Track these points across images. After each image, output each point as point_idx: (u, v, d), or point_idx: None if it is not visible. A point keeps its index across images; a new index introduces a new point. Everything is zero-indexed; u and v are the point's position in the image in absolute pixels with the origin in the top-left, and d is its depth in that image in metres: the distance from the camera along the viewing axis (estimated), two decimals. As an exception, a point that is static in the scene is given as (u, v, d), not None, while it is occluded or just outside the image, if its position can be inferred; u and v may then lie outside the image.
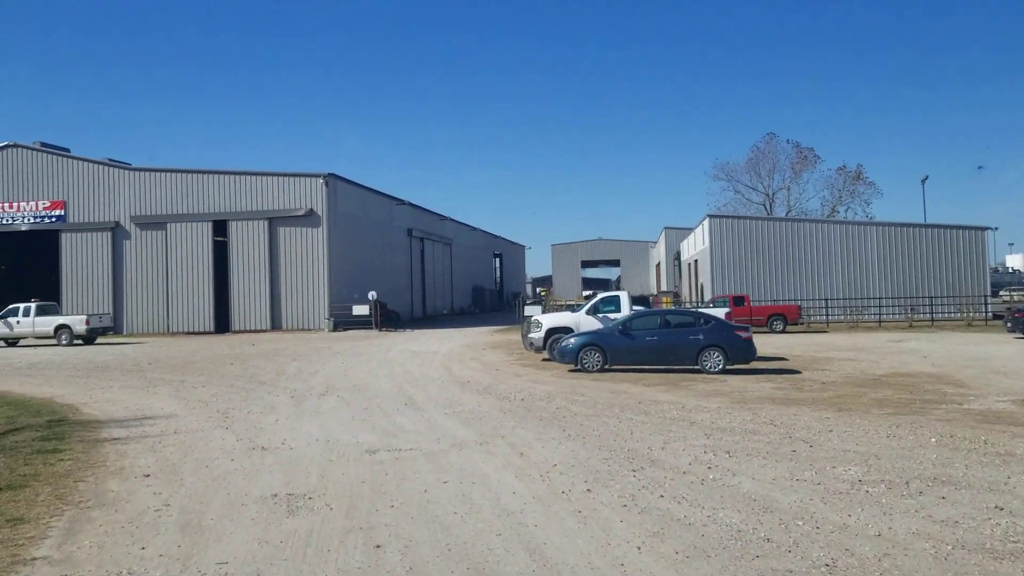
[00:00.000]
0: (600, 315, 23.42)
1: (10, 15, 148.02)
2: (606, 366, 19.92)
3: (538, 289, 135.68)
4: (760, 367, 20.77)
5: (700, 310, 24.83)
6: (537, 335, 23.49)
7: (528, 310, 45.37)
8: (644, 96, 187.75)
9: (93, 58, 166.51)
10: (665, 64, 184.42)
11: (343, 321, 45.78)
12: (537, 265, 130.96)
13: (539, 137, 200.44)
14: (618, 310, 23.73)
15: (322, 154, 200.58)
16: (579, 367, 19.96)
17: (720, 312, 24.79)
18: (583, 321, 23.39)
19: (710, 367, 19.49)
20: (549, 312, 46.03)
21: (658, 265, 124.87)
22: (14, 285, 51.16)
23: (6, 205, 48.64)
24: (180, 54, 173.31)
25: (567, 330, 23.38)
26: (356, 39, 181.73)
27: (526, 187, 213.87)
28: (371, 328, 45.37)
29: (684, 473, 8.95)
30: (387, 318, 46.85)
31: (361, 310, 45.79)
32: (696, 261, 56.47)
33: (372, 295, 45.89)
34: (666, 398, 15.31)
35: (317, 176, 46.16)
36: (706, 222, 48.32)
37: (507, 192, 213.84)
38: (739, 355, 19.84)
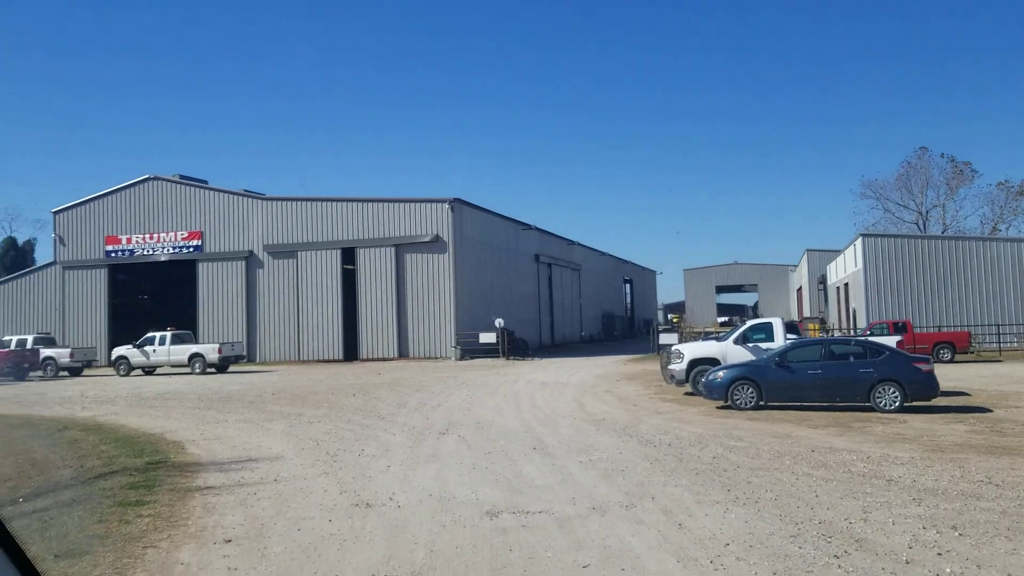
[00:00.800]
0: (750, 344, 20.92)
1: (155, 57, 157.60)
2: (760, 403, 17.49)
3: (669, 316, 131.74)
4: (941, 404, 17.80)
5: (870, 339, 21.84)
6: (679, 367, 21.21)
7: (663, 338, 42.91)
8: (782, 112, 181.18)
9: (230, 90, 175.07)
10: (804, 79, 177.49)
11: (470, 349, 44.58)
12: (668, 291, 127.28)
13: (670, 158, 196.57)
14: (770, 339, 21.16)
15: (448, 179, 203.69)
16: (729, 403, 17.61)
17: (890, 341, 21.78)
18: (730, 351, 20.95)
19: (885, 405, 16.75)
20: (685, 340, 43.48)
21: (799, 290, 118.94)
22: (154, 314, 52.70)
23: (147, 236, 50.22)
24: (306, 86, 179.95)
25: (712, 361, 21.01)
26: (481, 63, 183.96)
27: (657, 210, 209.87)
28: (498, 357, 43.96)
29: (908, 563, 6.65)
30: (514, 346, 45.36)
31: (488, 338, 44.47)
32: (846, 284, 52.38)
33: (499, 323, 44.51)
34: (842, 445, 12.82)
35: (443, 202, 45.37)
36: (858, 242, 44.53)
37: (636, 215, 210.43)
38: (919, 391, 16.99)
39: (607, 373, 32.10)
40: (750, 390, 17.56)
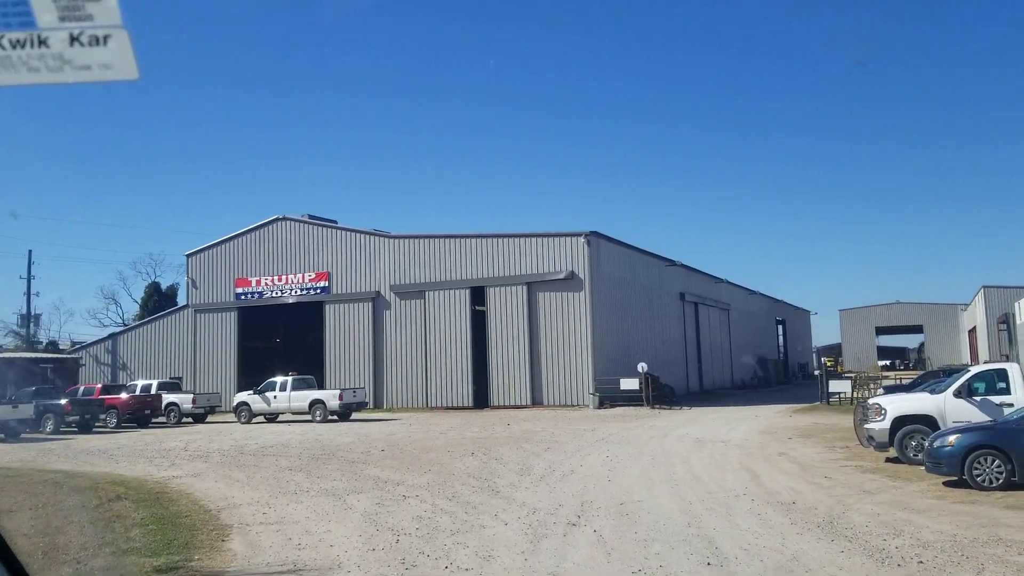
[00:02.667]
0: (977, 398, 15.89)
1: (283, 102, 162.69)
2: (1013, 479, 12.61)
3: (823, 359, 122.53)
4: None
5: None
6: (879, 426, 16.43)
7: (834, 385, 37.40)
8: (948, 133, 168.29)
9: (349, 126, 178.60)
10: (974, 93, 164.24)
11: (609, 396, 40.34)
12: (821, 334, 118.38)
13: (819, 186, 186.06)
14: (1006, 391, 16.05)
15: (582, 214, 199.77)
16: (965, 478, 12.82)
17: None
18: (949, 406, 16.00)
19: None
20: (860, 389, 37.67)
21: (972, 330, 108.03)
22: (282, 357, 51.33)
23: (276, 278, 48.98)
24: (434, 121, 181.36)
25: (925, 420, 16.15)
26: (618, 90, 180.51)
27: (806, 245, 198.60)
28: (641, 405, 39.49)
29: None
30: (659, 394, 40.78)
31: (630, 384, 40.10)
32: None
33: (642, 367, 40.10)
34: None
35: (578, 235, 41.70)
36: (1069, 272, 37.66)
37: (784, 250, 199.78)
38: None
39: (772, 427, 27.22)
40: (996, 463, 12.72)
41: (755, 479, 14.74)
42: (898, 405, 16.59)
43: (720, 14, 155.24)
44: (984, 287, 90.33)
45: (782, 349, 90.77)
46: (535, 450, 20.77)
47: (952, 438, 13.05)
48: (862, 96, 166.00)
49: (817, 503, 11.95)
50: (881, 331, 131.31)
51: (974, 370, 16.51)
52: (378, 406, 44.97)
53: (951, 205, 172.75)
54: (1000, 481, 12.63)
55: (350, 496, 13.51)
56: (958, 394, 16.01)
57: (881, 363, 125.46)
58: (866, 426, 16.84)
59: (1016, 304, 62.53)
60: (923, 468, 15.45)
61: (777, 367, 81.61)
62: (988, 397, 15.84)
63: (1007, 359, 74.82)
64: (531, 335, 41.87)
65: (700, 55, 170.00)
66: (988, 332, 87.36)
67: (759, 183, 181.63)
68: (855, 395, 37.05)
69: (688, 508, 11.66)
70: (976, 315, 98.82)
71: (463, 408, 42.73)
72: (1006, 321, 76.45)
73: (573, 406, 40.54)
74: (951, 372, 33.85)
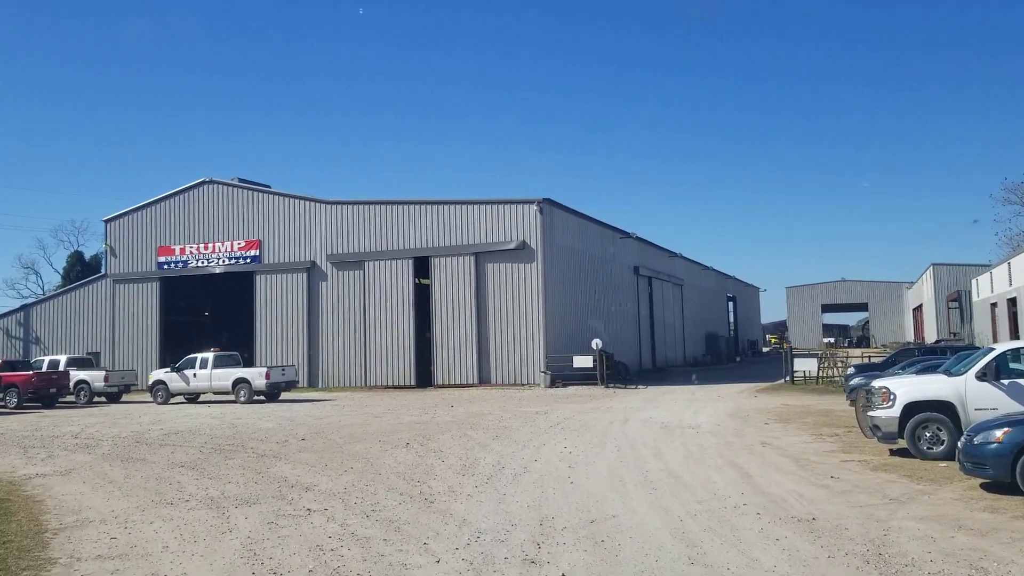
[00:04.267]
0: (1005, 381, 13.40)
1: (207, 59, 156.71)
2: (1073, 484, 10.12)
3: (768, 337, 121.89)
4: None
5: None
6: (887, 414, 13.88)
7: (800, 363, 35.21)
8: (896, 112, 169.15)
9: (292, 91, 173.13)
10: (929, 73, 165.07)
11: (562, 375, 37.70)
12: (767, 311, 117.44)
13: (769, 162, 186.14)
14: (1045, 371, 13.60)
15: (531, 182, 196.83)
16: (1014, 481, 10.26)
17: None
18: (972, 391, 13.50)
19: None
20: (829, 366, 35.50)
21: (918, 308, 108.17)
22: (209, 332, 47.66)
23: (202, 246, 45.17)
24: (369, 77, 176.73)
25: (942, 407, 13.65)
26: (564, 57, 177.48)
27: (756, 220, 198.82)
28: (595, 384, 36.95)
29: None
30: (613, 372, 38.28)
31: (583, 362, 37.51)
32: (1015, 298, 43.42)
33: (597, 343, 37.49)
34: None
35: (530, 203, 38.76)
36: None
37: (735, 225, 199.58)
38: None
39: (741, 410, 24.76)
40: (1055, 465, 10.19)
41: (748, 480, 12.06)
42: (909, 389, 14.02)
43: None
44: (933, 265, 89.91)
45: (732, 326, 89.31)
46: (481, 439, 17.90)
47: (1000, 433, 10.47)
48: (809, 73, 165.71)
49: (842, 519, 9.26)
50: (827, 308, 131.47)
51: (1001, 347, 13.99)
52: (312, 385, 41.72)
53: (898, 183, 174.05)
54: (1057, 487, 10.13)
55: (239, 509, 10.45)
56: (982, 376, 13.49)
57: (826, 340, 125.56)
58: (870, 414, 14.27)
59: (973, 281, 61.51)
60: (940, 464, 13.05)
61: (728, 344, 79.99)
62: (1019, 380, 13.36)
63: (954, 336, 74.36)
64: (479, 309, 38.95)
65: (654, 31, 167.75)
66: (937, 310, 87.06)
67: (710, 157, 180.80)
68: (820, 374, 34.94)
69: (680, 529, 8.86)
70: (923, 293, 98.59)
71: (405, 387, 39.72)
72: (958, 298, 75.78)
73: (523, 385, 37.81)
74: (928, 350, 31.89)
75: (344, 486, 12.03)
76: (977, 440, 10.68)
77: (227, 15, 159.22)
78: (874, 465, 13.29)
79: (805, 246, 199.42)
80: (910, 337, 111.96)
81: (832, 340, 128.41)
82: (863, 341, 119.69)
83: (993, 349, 14.00)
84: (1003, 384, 13.37)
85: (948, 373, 14.42)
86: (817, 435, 17.78)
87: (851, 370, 31.10)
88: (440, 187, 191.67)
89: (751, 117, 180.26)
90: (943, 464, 13.03)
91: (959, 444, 11.17)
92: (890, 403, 13.96)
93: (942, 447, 13.55)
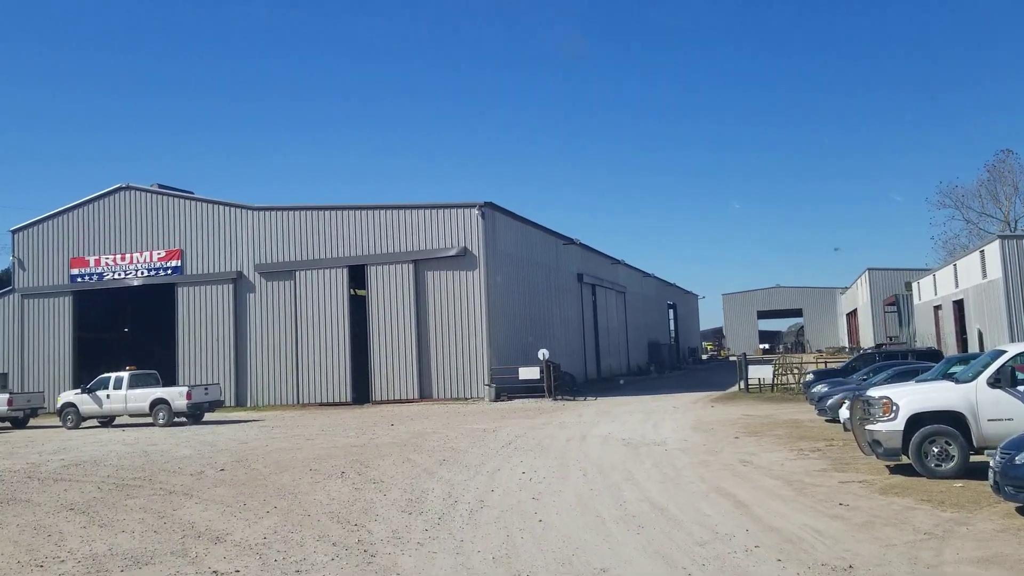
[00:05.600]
0: (1022, 388, 11.92)
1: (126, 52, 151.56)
2: None
3: (703, 343, 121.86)
4: None
5: None
6: (889, 427, 12.29)
7: (754, 371, 33.89)
8: (826, 117, 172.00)
9: (215, 89, 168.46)
10: (861, 76, 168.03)
11: (507, 388, 35.78)
12: (704, 317, 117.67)
13: (706, 168, 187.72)
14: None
15: (471, 187, 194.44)
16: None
17: None
18: (984, 400, 11.99)
19: None
20: (785, 373, 34.18)
21: (852, 312, 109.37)
22: (129, 350, 44.43)
23: (118, 257, 42.05)
24: (304, 83, 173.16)
25: (950, 418, 12.13)
26: (507, 55, 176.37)
27: (693, 228, 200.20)
28: (543, 396, 35.11)
29: None
30: (561, 383, 36.52)
31: (529, 373, 35.63)
32: (962, 300, 43.04)
33: (544, 354, 35.68)
34: None
35: (471, 207, 36.82)
36: (994, 245, 35.39)
37: (672, 232, 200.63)
38: None
39: (703, 422, 23.18)
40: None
41: (746, 512, 10.28)
42: (914, 399, 12.44)
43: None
44: (869, 269, 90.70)
45: (674, 333, 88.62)
46: (427, 464, 15.83)
47: (1045, 451, 8.89)
48: (744, 78, 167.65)
49: (883, 565, 7.50)
50: (762, 315, 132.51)
51: (1013, 349, 12.51)
52: (240, 404, 39.00)
53: (830, 188, 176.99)
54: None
55: (125, 574, 8.22)
56: (995, 382, 11.98)
57: (762, 346, 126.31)
58: (870, 428, 12.65)
59: (914, 284, 61.63)
60: (955, 484, 11.48)
61: (671, 352, 79.15)
62: (1036, 386, 11.89)
63: (891, 340, 74.73)
64: (418, 320, 36.81)
65: (599, 38, 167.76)
66: (873, 313, 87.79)
67: (649, 164, 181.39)
68: (775, 382, 33.70)
69: (691, 587, 6.98)
70: (859, 297, 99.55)
71: (341, 404, 37.30)
72: (895, 302, 76.26)
73: (466, 399, 35.77)
74: (891, 355, 30.86)
75: (264, 534, 9.85)
76: (1020, 460, 9.07)
77: (151, 19, 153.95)
78: (880, 487, 11.65)
79: (741, 253, 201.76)
80: (844, 342, 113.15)
81: (767, 346, 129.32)
82: (797, 347, 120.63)
83: (1004, 351, 12.51)
84: (1019, 391, 11.88)
85: (955, 380, 12.89)
86: (797, 450, 16.18)
87: (810, 376, 29.89)
88: (376, 193, 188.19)
89: (689, 125, 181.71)
90: (959, 484, 11.46)
91: (993, 464, 9.54)
92: (892, 415, 12.36)
93: (952, 464, 12.02)
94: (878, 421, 12.53)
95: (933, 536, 8.60)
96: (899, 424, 12.28)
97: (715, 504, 10.89)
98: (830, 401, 21.14)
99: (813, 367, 34.14)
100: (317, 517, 10.87)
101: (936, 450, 12.11)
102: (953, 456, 12.04)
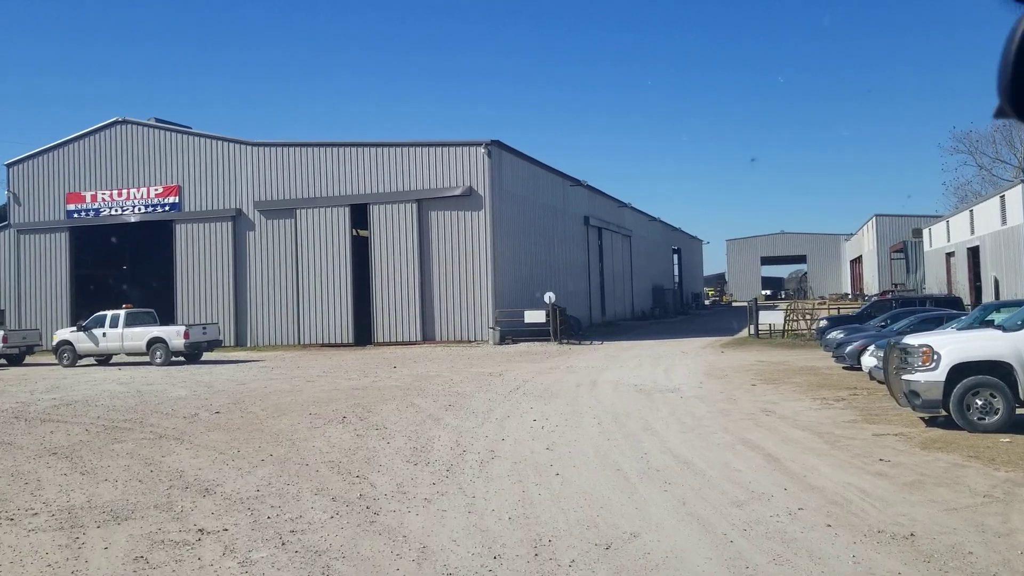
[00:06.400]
0: (1074, 336, 11.05)
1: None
2: None
3: (705, 289, 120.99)
4: None
5: None
6: (929, 378, 11.44)
7: (765, 316, 33.08)
8: (837, 63, 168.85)
9: (219, 29, 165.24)
10: (877, 21, 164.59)
11: (511, 331, 35.04)
12: (707, 263, 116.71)
13: (713, 112, 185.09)
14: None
15: (475, 128, 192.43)
16: None
17: None
18: (1033, 348, 11.14)
19: None
20: (798, 319, 33.30)
21: (857, 259, 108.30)
22: (127, 288, 43.65)
23: (115, 193, 40.97)
24: (307, 24, 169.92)
25: (996, 369, 11.29)
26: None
27: (697, 171, 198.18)
28: (548, 340, 34.39)
29: None
30: (566, 327, 35.75)
31: (535, 317, 34.86)
32: (977, 247, 41.95)
33: (550, 297, 34.85)
34: None
35: (477, 145, 35.63)
36: (1016, 191, 34.23)
37: (678, 175, 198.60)
38: None
39: (715, 368, 22.43)
40: None
41: (779, 467, 9.48)
42: (956, 348, 11.58)
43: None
44: (876, 216, 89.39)
45: (678, 279, 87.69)
46: (431, 409, 15.07)
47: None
48: (759, 23, 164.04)
49: (949, 534, 6.69)
50: (766, 261, 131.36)
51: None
52: (240, 344, 38.32)
53: (838, 134, 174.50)
54: None
55: (101, 530, 7.43)
56: (1045, 330, 11.13)
57: (765, 292, 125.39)
58: (906, 378, 11.81)
59: (925, 231, 60.49)
60: (1002, 439, 10.69)
61: (675, 297, 78.34)
62: (1091, 335, 11.01)
63: (896, 287, 73.76)
64: (422, 260, 35.91)
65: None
66: (879, 261, 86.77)
67: (654, 105, 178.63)
68: (786, 328, 32.89)
69: (741, 562, 6.17)
70: (864, 244, 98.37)
71: (342, 345, 36.63)
72: (903, 249, 75.17)
73: (470, 342, 35.05)
74: (907, 301, 30.00)
75: (257, 485, 9.07)
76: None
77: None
78: (920, 441, 10.85)
79: (746, 197, 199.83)
80: (847, 289, 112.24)
81: (770, 292, 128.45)
82: (799, 293, 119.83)
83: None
84: (1071, 340, 11.01)
85: (1003, 328, 12.00)
86: (820, 399, 15.40)
87: (823, 323, 29.05)
88: (379, 129, 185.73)
89: (698, 70, 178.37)
90: (1005, 439, 10.66)
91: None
92: (933, 364, 11.51)
93: (996, 417, 11.20)
94: (916, 371, 11.67)
95: (993, 499, 7.79)
96: (940, 375, 11.42)
97: (744, 458, 10.09)
98: (849, 348, 20.33)
99: (824, 313, 33.27)
100: (316, 467, 10.10)
101: (980, 403, 11.28)
102: (998, 409, 11.21)
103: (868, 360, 17.24)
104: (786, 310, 33.25)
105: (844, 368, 20.72)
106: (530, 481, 9.00)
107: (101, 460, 10.99)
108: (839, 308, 36.47)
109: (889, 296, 32.51)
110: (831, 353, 22.83)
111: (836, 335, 23.56)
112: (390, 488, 8.80)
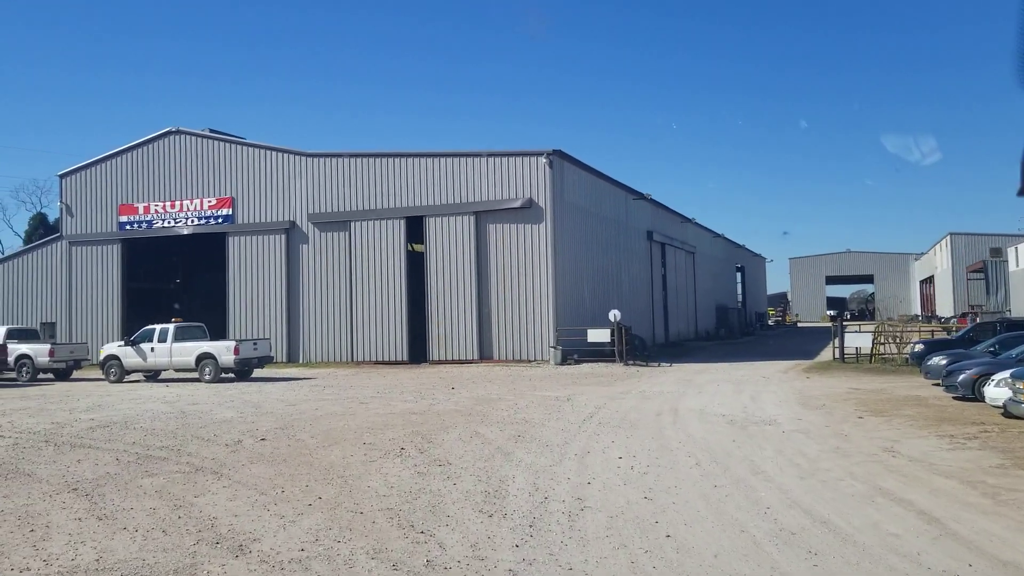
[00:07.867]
0: None
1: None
2: None
3: (767, 309, 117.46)
4: None
5: None
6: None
7: (851, 339, 30.65)
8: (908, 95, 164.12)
9: (274, 38, 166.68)
10: (947, 18, 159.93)
11: (573, 350, 33.18)
12: (769, 282, 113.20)
13: (777, 128, 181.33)
14: None
15: (533, 137, 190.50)
16: None
17: None
18: None
19: None
20: (887, 340, 30.75)
21: (928, 279, 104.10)
22: (180, 301, 42.92)
23: (168, 204, 40.23)
24: (363, 35, 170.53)
25: None
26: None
27: (760, 188, 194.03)
28: (612, 361, 32.43)
29: None
30: (631, 347, 33.76)
31: (599, 336, 32.94)
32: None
33: (615, 315, 32.93)
34: None
35: (538, 155, 33.98)
36: None
37: (740, 192, 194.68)
38: None
39: (807, 396, 20.30)
40: None
41: (946, 532, 7.55)
42: None
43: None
44: (951, 234, 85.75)
45: (741, 298, 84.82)
46: (499, 441, 13.34)
47: None
48: (827, 28, 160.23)
49: None
50: (831, 280, 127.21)
51: None
52: (292, 360, 37.12)
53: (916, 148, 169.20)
54: None
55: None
56: None
57: (830, 312, 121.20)
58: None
59: (1010, 249, 57.17)
60: None
61: (739, 317, 75.59)
62: None
63: (974, 309, 70.01)
64: (479, 275, 34.32)
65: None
66: (955, 280, 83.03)
67: (720, 120, 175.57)
68: (874, 351, 30.42)
69: None
70: (937, 263, 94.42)
71: (396, 363, 35.16)
72: (982, 268, 71.53)
73: (530, 362, 33.29)
74: (1013, 324, 27.43)
75: (301, 542, 7.43)
76: None
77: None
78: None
79: (809, 214, 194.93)
80: (916, 310, 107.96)
81: (835, 313, 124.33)
82: (864, 314, 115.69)
83: None
84: None
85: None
86: (947, 437, 13.31)
87: (919, 347, 26.67)
88: (436, 139, 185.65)
89: (773, 99, 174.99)
90: None
91: None
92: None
93: None
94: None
95: None
96: None
97: (893, 516, 8.17)
98: (962, 376, 18.13)
99: (916, 336, 30.78)
100: (372, 516, 8.43)
101: None
102: None
103: (998, 391, 15.09)
104: (874, 332, 30.79)
105: (955, 398, 18.50)
106: (636, 546, 7.22)
107: (125, 500, 9.47)
108: (932, 331, 33.80)
109: (978, 318, 29.86)
110: (934, 381, 20.57)
111: (939, 361, 21.33)
112: (463, 551, 7.09)
